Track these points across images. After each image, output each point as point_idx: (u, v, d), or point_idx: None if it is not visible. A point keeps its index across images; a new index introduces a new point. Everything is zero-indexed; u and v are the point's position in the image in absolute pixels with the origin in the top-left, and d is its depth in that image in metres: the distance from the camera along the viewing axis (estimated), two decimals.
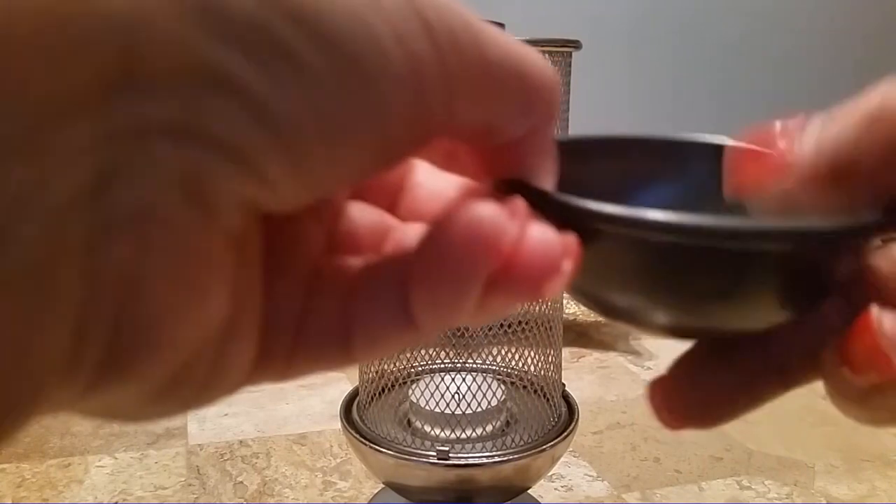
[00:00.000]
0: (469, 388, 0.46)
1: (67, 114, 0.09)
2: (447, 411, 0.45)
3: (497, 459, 0.43)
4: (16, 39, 0.08)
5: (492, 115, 0.13)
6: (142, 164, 0.09)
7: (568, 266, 0.12)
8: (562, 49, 0.41)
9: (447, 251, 0.12)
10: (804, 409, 0.71)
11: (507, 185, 0.14)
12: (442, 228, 0.13)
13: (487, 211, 0.12)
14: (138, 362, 0.10)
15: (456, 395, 0.45)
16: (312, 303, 0.14)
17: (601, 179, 0.18)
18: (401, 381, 0.50)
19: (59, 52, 0.08)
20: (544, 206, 0.13)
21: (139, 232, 0.10)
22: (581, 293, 0.16)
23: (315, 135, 0.10)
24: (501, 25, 0.47)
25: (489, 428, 0.47)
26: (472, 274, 0.12)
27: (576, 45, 0.42)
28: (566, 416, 0.48)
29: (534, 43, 0.40)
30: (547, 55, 0.40)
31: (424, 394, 0.46)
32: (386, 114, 0.11)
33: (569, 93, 0.43)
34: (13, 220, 0.09)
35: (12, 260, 0.09)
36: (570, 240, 0.13)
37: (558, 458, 0.48)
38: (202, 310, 0.11)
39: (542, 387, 0.49)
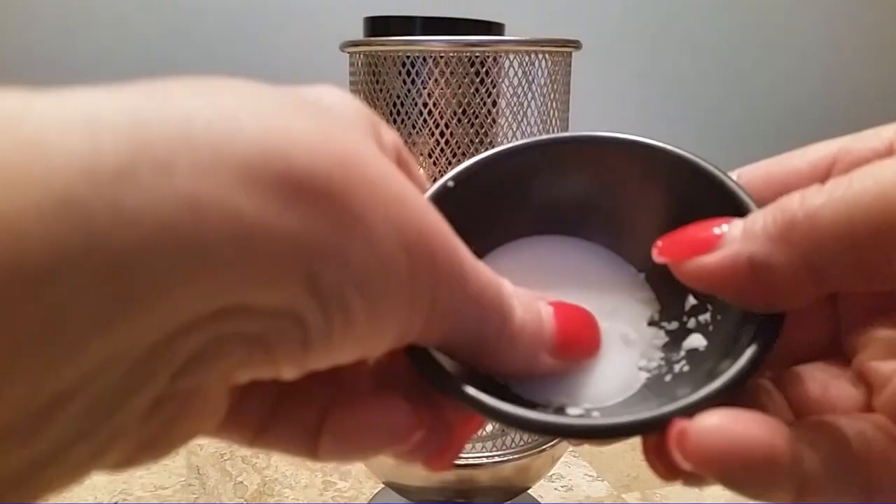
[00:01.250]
0: None
1: (189, 329, 0.12)
2: None
3: (497, 459, 0.43)
4: (174, 278, 0.11)
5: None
6: (215, 358, 0.13)
7: (450, 458, 0.18)
8: (562, 49, 0.41)
9: (363, 426, 0.17)
10: None
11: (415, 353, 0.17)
12: (366, 404, 0.17)
13: (404, 417, 0.17)
14: (148, 459, 0.14)
15: None
16: (241, 402, 0.17)
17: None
18: None
19: (198, 293, 0.12)
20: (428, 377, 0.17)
21: (187, 399, 0.13)
22: None
23: (327, 356, 0.14)
24: (502, 25, 0.47)
25: (489, 428, 0.47)
26: (375, 450, 0.17)
27: (576, 45, 0.42)
28: None
29: (534, 43, 0.40)
30: (547, 55, 0.40)
31: None
32: (380, 348, 0.15)
33: (569, 93, 0.43)
34: (127, 396, 0.12)
35: (119, 418, 0.12)
36: (459, 440, 0.18)
37: (558, 458, 0.48)
38: (205, 426, 0.15)
39: None
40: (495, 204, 0.22)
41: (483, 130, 0.40)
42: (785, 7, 1.58)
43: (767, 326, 0.17)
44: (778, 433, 0.15)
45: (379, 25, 0.45)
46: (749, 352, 0.16)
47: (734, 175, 0.20)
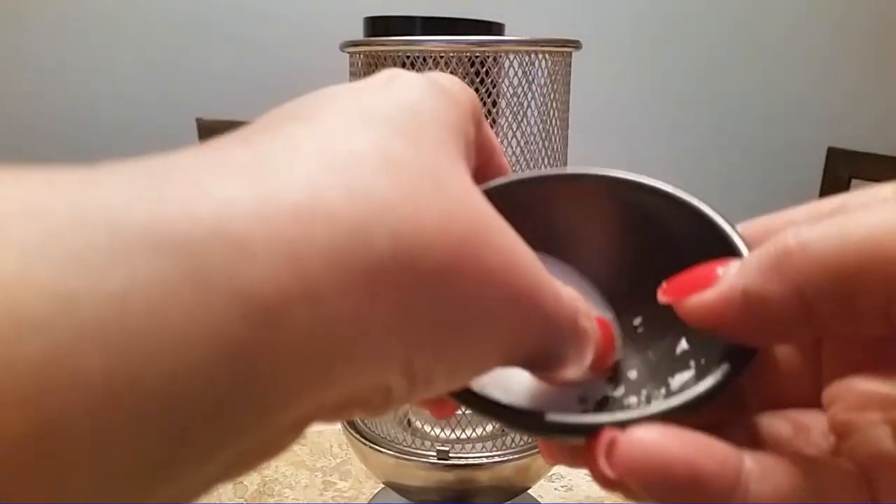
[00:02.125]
0: None
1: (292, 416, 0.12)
2: None
3: (497, 459, 0.43)
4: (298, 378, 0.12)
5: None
6: (307, 424, 0.13)
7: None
8: (562, 49, 0.41)
9: None
10: None
11: None
12: None
13: None
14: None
15: None
16: None
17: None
18: None
19: (316, 398, 0.12)
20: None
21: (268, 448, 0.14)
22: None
23: (402, 405, 0.15)
24: (502, 25, 0.47)
25: (489, 428, 0.47)
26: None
27: (576, 45, 0.42)
28: None
29: (534, 43, 0.40)
30: (547, 55, 0.40)
31: None
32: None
33: (569, 93, 0.43)
34: (227, 471, 0.13)
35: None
36: None
37: None
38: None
39: None
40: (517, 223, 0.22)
41: None
42: (788, 8, 1.58)
43: (734, 366, 0.17)
44: (712, 455, 0.15)
45: (379, 25, 0.45)
46: (702, 385, 0.17)
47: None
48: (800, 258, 0.15)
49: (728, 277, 0.17)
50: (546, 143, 0.42)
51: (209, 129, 1.09)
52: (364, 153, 0.14)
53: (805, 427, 0.18)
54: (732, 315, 0.16)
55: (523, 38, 0.40)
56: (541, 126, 0.41)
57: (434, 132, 0.16)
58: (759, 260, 0.16)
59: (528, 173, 0.23)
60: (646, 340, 0.21)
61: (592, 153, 1.53)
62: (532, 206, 0.23)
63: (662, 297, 0.18)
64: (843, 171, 1.24)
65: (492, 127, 0.40)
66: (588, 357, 0.18)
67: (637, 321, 0.22)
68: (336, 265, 0.12)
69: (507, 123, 0.41)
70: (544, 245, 0.23)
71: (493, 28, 0.45)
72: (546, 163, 0.42)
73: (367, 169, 0.13)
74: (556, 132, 0.42)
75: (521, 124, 0.41)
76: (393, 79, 0.17)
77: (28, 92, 1.39)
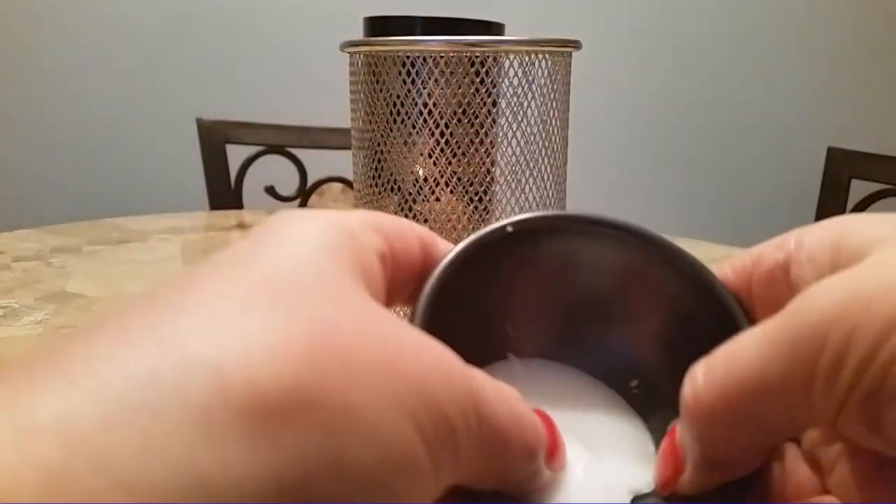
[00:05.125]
0: None
1: None
2: None
3: None
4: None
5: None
6: None
7: None
8: (562, 49, 0.41)
9: None
10: None
11: None
12: None
13: None
14: None
15: None
16: None
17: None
18: None
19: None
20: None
21: None
22: None
23: None
24: (502, 25, 0.47)
25: None
26: None
27: (576, 45, 0.42)
28: None
29: (534, 43, 0.40)
30: (547, 55, 0.40)
31: None
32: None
33: (569, 93, 0.43)
34: None
35: None
36: None
37: None
38: None
39: None
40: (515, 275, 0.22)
41: (483, 130, 0.40)
42: (788, 8, 1.58)
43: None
44: None
45: (379, 25, 0.45)
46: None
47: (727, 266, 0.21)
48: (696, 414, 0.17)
49: (685, 456, 0.18)
50: (546, 143, 0.42)
51: (209, 129, 1.09)
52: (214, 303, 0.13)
53: (794, 465, 0.18)
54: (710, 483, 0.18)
55: (523, 38, 0.40)
56: (541, 126, 0.41)
57: (306, 256, 0.15)
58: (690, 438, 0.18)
59: (546, 213, 0.23)
60: (642, 403, 0.22)
61: (592, 153, 1.53)
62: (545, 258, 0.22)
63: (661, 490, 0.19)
64: (843, 171, 1.24)
65: (492, 127, 0.40)
66: (534, 458, 0.17)
67: (633, 382, 0.22)
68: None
69: (507, 123, 0.41)
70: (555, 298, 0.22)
71: (493, 28, 0.45)
72: (546, 162, 0.42)
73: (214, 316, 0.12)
74: (556, 132, 0.42)
75: (521, 124, 0.41)
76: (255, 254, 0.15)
77: (28, 92, 1.39)
